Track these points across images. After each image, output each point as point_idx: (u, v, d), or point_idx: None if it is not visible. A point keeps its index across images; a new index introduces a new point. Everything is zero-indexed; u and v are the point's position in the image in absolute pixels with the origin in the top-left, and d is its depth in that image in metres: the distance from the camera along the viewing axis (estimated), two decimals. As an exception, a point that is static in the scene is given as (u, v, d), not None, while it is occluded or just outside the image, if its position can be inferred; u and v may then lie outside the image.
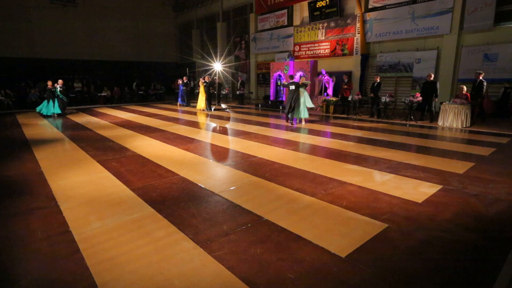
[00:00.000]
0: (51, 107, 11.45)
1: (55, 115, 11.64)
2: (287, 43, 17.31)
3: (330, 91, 13.03)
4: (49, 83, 11.41)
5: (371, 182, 4.27)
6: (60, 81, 11.65)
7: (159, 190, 4.00)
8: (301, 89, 9.27)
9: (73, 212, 3.37)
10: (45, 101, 11.53)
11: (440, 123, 9.03)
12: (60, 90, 11.36)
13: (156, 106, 16.22)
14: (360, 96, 11.61)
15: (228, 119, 11.24)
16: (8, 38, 17.89)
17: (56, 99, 11.51)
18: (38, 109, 11.70)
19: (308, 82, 10.56)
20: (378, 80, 10.75)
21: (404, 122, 9.70)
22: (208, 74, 15.18)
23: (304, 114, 9.41)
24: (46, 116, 11.54)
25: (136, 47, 22.74)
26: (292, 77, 10.16)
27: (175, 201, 3.66)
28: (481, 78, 9.25)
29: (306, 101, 9.41)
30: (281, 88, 15.20)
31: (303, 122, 9.61)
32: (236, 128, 9.09)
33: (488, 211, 3.36)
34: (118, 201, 3.68)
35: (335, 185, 4.18)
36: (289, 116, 9.62)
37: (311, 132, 8.31)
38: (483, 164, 5.12)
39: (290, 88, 9.36)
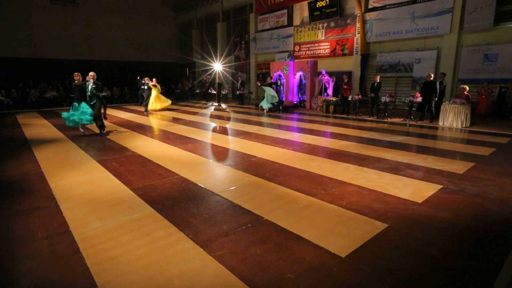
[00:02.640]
0: (83, 113, 7.58)
1: (84, 128, 7.94)
2: (287, 43, 17.31)
3: (330, 91, 13.02)
4: (77, 76, 7.64)
5: (371, 182, 4.27)
6: (91, 74, 7.71)
7: (159, 190, 4.00)
8: (267, 87, 12.65)
9: (73, 212, 3.37)
10: (73, 106, 7.66)
11: (440, 123, 9.03)
12: (93, 87, 7.63)
13: (156, 106, 16.20)
14: (360, 96, 11.60)
15: (228, 119, 11.24)
16: (8, 38, 17.88)
17: (86, 101, 7.73)
18: (64, 115, 7.75)
19: (274, 83, 13.76)
20: (378, 80, 10.75)
21: (404, 122, 9.71)
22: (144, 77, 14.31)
23: (266, 105, 12.59)
24: (75, 131, 8.08)
25: (136, 47, 22.71)
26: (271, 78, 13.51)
27: (175, 201, 3.66)
28: (443, 78, 9.55)
29: (270, 97, 12.50)
30: (281, 88, 15.22)
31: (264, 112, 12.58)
32: (236, 128, 9.09)
33: (488, 211, 3.36)
34: (118, 201, 3.68)
35: (335, 185, 4.18)
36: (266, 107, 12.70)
37: (311, 132, 8.31)
38: (483, 164, 5.12)
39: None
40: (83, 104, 7.55)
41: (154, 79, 13.56)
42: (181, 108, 15.14)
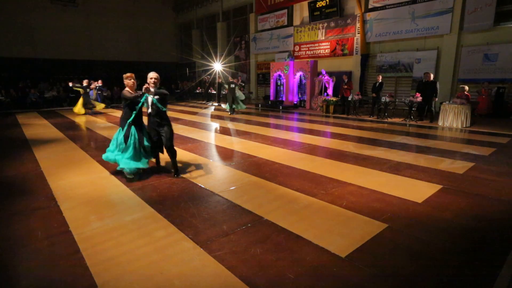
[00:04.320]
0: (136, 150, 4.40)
1: (133, 173, 4.46)
2: (287, 43, 17.30)
3: (330, 91, 13.03)
4: (130, 79, 4.39)
5: (371, 182, 4.27)
6: (153, 76, 4.36)
7: (159, 190, 4.00)
8: (236, 88, 12.38)
9: (73, 212, 3.37)
10: (118, 133, 4.50)
11: (440, 123, 9.03)
12: (155, 99, 4.33)
13: (156, 106, 16.19)
14: (360, 96, 11.61)
15: (228, 119, 11.24)
16: (8, 38, 17.88)
17: (144, 125, 4.61)
18: (106, 156, 4.57)
19: (242, 84, 14.21)
20: (380, 80, 10.75)
21: (404, 122, 9.70)
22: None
23: (241, 106, 12.56)
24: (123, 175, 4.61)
25: (136, 47, 22.72)
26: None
27: (175, 201, 3.66)
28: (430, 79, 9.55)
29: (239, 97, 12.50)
30: (281, 88, 15.23)
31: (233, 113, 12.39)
32: (236, 128, 9.09)
33: (488, 211, 3.36)
34: (118, 201, 3.68)
35: (335, 185, 4.18)
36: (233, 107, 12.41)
37: (311, 132, 8.32)
38: (483, 164, 5.12)
39: (231, 87, 12.21)
40: (133, 140, 4.30)
41: (85, 81, 12.44)
42: (181, 108, 15.14)
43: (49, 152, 6.21)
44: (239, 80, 14.19)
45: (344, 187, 4.10)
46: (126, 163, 4.31)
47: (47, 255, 2.56)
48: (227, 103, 12.43)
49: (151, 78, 4.35)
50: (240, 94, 12.63)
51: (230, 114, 12.17)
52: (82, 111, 12.30)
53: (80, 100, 12.29)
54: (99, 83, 14.00)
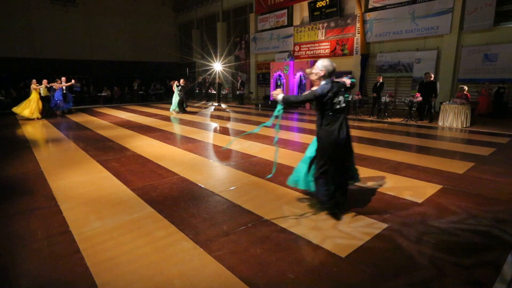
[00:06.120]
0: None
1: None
2: (287, 43, 17.30)
3: (330, 91, 13.01)
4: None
5: (371, 182, 4.27)
6: (316, 64, 3.00)
7: (159, 190, 4.00)
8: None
9: (73, 212, 3.37)
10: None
11: (440, 123, 9.03)
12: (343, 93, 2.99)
13: (156, 106, 16.22)
14: (360, 96, 11.60)
15: (228, 119, 11.24)
16: (8, 38, 17.87)
17: None
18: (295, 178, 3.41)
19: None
20: (381, 80, 10.74)
21: (404, 122, 9.70)
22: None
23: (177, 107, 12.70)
24: None
25: (136, 47, 22.70)
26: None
27: (175, 201, 3.66)
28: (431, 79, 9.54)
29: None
30: (281, 88, 15.23)
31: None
32: (236, 128, 9.08)
33: (488, 211, 3.36)
34: (118, 201, 3.68)
35: (335, 185, 4.17)
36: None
37: (311, 132, 8.31)
38: (483, 164, 5.12)
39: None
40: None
41: (33, 80, 11.43)
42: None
43: (49, 152, 6.21)
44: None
45: (344, 187, 4.09)
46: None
47: (47, 255, 2.56)
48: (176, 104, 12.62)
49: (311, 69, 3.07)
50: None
51: (177, 113, 12.50)
52: (27, 112, 11.00)
53: (35, 103, 11.09)
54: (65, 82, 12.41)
